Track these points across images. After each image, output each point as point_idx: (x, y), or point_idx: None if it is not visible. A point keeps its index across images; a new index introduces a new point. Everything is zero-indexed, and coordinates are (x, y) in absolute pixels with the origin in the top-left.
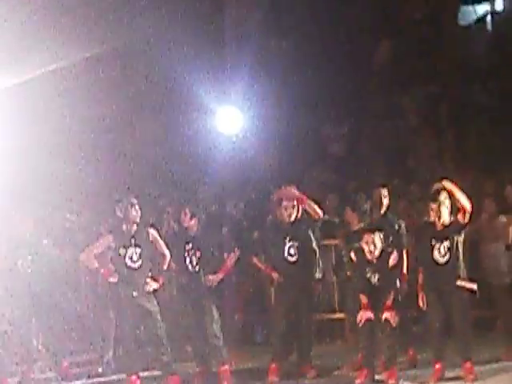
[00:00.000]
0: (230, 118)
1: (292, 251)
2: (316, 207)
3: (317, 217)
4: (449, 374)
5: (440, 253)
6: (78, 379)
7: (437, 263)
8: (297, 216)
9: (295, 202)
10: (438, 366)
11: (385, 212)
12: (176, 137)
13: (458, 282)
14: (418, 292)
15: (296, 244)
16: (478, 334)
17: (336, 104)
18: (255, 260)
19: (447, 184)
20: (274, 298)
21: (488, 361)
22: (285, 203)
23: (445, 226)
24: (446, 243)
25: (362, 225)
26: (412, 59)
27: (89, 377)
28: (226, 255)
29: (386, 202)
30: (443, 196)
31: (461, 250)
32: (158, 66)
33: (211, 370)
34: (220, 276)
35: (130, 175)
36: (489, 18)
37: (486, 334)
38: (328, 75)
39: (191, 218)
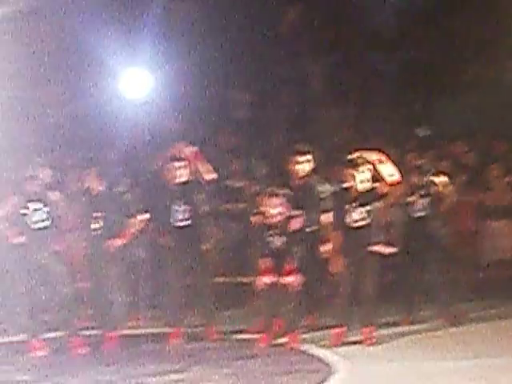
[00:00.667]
0: (137, 81)
1: (181, 216)
2: (209, 168)
3: (209, 178)
4: (350, 338)
5: (353, 218)
6: None
7: (351, 228)
8: (188, 178)
9: (186, 162)
10: (338, 330)
11: (304, 176)
12: (82, 99)
13: (371, 248)
14: (330, 256)
15: (187, 208)
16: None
17: (242, 70)
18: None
19: (369, 156)
20: (167, 263)
21: (387, 325)
22: (176, 164)
23: (359, 193)
24: (361, 209)
25: (259, 188)
26: (318, 27)
27: None
28: (130, 220)
29: (305, 167)
30: (360, 163)
31: (377, 216)
32: (65, 27)
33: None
34: (121, 241)
35: (35, 136)
36: None
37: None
38: (236, 40)
39: (98, 180)
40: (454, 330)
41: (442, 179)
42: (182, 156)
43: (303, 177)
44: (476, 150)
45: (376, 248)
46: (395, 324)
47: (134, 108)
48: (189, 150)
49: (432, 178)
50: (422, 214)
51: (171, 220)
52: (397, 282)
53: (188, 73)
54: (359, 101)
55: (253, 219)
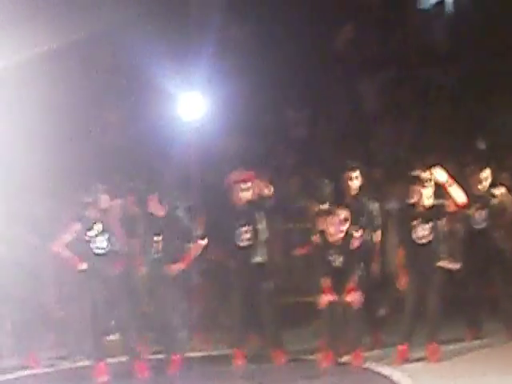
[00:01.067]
0: (193, 104)
1: (246, 236)
2: (270, 187)
3: (267, 195)
4: (414, 355)
5: (419, 234)
6: (46, 367)
7: (417, 244)
8: (252, 198)
9: (249, 184)
10: (402, 348)
11: (356, 194)
12: (139, 123)
13: (439, 263)
14: (397, 272)
15: (250, 228)
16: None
17: (298, 89)
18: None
19: (441, 178)
20: (231, 283)
21: (453, 341)
22: (239, 185)
23: (426, 209)
24: (428, 225)
25: (322, 207)
26: (372, 44)
27: (55, 365)
28: (190, 244)
29: (356, 184)
30: (425, 178)
31: (442, 231)
32: (121, 52)
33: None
34: (181, 265)
35: (94, 162)
36: (448, 0)
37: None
38: (290, 60)
39: (160, 205)
40: None
41: (502, 191)
42: (247, 178)
43: (356, 194)
44: None
45: (442, 264)
46: (460, 340)
47: (191, 131)
48: (251, 173)
49: (492, 189)
50: (483, 226)
51: (235, 240)
52: (461, 296)
53: (243, 94)
54: (417, 116)
55: (314, 238)
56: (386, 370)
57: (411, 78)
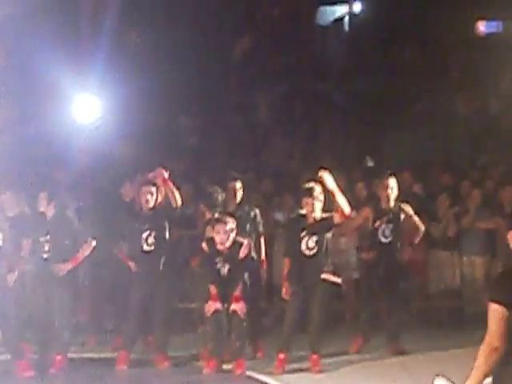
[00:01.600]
0: (87, 107)
1: (149, 240)
2: (177, 194)
3: (175, 205)
4: (295, 365)
5: (308, 246)
6: None
7: (304, 255)
8: (155, 203)
9: (154, 188)
10: (281, 357)
11: (239, 203)
12: (33, 124)
13: (323, 275)
14: (282, 282)
15: (153, 233)
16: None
17: (193, 97)
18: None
19: (330, 184)
20: (130, 287)
21: (335, 353)
22: (144, 188)
23: (316, 221)
24: (315, 237)
25: (213, 215)
26: (269, 56)
27: None
28: (81, 245)
29: (239, 194)
30: (318, 191)
31: (328, 244)
32: (16, 53)
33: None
34: (70, 265)
35: None
36: (346, 19)
37: (335, 327)
38: (186, 69)
39: (48, 204)
40: (400, 358)
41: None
42: (155, 181)
43: (239, 203)
44: (423, 181)
45: (325, 276)
46: (343, 353)
47: (85, 133)
48: (162, 175)
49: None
50: (389, 240)
51: (141, 244)
52: (345, 310)
53: (138, 99)
54: (308, 130)
55: (203, 246)
56: (267, 379)
57: (305, 92)
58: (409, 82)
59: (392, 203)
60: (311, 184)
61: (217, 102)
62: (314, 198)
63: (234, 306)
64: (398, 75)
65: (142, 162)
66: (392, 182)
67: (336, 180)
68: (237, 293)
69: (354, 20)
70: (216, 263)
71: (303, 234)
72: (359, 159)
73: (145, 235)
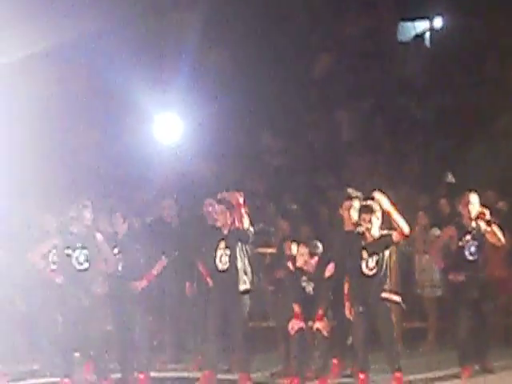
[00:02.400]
0: (169, 126)
1: (224, 259)
2: (246, 219)
3: (244, 227)
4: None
5: (368, 266)
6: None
7: (365, 275)
8: (232, 224)
9: (230, 211)
10: (362, 377)
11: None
12: (115, 143)
13: (383, 295)
14: (344, 302)
15: (228, 252)
16: (409, 345)
17: (274, 115)
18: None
19: (385, 204)
20: (207, 305)
21: (421, 371)
22: (220, 207)
23: (375, 239)
24: (375, 257)
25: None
26: (351, 73)
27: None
28: (155, 262)
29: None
30: (376, 208)
31: (388, 263)
32: (100, 72)
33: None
34: (144, 282)
35: (72, 177)
36: (427, 34)
37: (418, 346)
38: (268, 87)
39: (123, 222)
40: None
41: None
42: (230, 202)
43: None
44: (508, 199)
45: (386, 295)
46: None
47: (167, 152)
48: (237, 198)
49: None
50: (473, 258)
51: (216, 263)
52: (428, 328)
53: (220, 119)
54: (390, 147)
55: (287, 264)
56: None
57: (387, 108)
58: (492, 98)
59: (474, 220)
60: (369, 202)
61: (298, 120)
62: (371, 216)
63: (317, 325)
64: (481, 91)
65: (223, 180)
66: (474, 199)
67: (398, 199)
68: (320, 311)
69: (435, 35)
70: (301, 282)
71: (363, 253)
72: (441, 175)
73: (219, 253)
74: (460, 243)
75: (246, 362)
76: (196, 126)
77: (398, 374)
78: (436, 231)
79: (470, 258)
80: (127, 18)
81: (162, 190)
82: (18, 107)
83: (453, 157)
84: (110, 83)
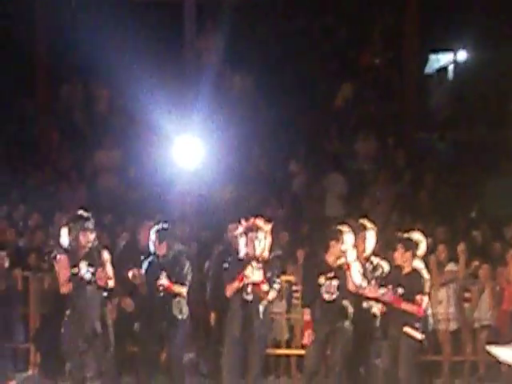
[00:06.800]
0: (190, 150)
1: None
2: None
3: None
4: None
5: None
6: None
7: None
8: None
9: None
10: None
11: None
12: (136, 166)
13: (405, 329)
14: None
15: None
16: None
17: (295, 142)
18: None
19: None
20: (225, 330)
21: None
22: (251, 234)
23: (405, 274)
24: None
25: None
26: (373, 104)
27: None
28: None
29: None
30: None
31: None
32: (120, 95)
33: None
34: None
35: (88, 200)
36: (451, 67)
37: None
38: (289, 114)
39: (159, 243)
40: None
41: None
42: (261, 228)
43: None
44: None
45: (408, 330)
46: None
47: (188, 176)
48: (266, 225)
49: None
50: None
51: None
52: (443, 362)
53: (240, 142)
54: (411, 180)
55: None
56: None
57: (408, 141)
58: None
59: None
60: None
61: (318, 149)
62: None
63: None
64: (502, 126)
65: (243, 205)
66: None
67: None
68: None
69: (459, 69)
70: None
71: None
72: (462, 209)
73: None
74: None
75: None
76: (217, 149)
77: None
78: (452, 265)
79: None
80: (150, 42)
81: (183, 213)
82: None
83: (474, 191)
84: (131, 105)
